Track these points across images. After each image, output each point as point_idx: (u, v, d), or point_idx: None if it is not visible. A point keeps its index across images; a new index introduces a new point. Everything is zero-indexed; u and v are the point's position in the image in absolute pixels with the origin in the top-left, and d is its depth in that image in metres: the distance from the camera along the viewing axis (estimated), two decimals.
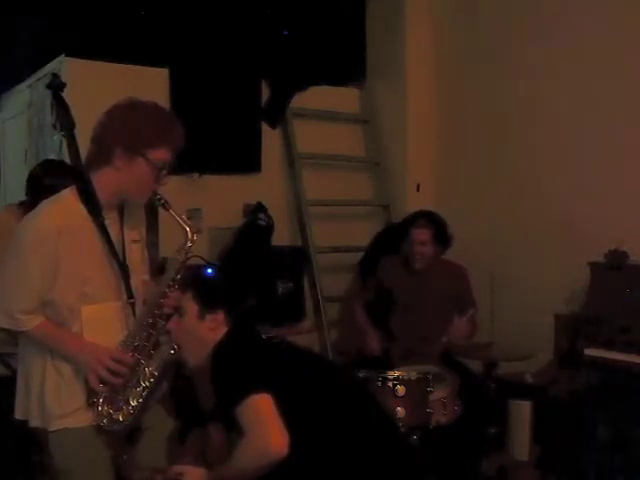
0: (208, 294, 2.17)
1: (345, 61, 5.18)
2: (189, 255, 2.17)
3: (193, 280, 2.20)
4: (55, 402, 2.07)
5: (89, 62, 3.88)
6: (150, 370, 2.12)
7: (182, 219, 2.17)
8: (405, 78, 4.94)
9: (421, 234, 3.56)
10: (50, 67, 4.12)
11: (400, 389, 2.80)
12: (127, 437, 2.20)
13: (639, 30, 3.71)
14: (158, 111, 2.14)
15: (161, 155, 2.09)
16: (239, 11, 4.57)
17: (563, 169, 4.10)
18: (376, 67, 5.21)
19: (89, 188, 2.07)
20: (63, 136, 2.75)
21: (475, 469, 3.31)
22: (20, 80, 4.62)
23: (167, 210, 2.16)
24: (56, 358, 2.08)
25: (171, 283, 2.16)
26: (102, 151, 2.09)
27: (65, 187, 2.18)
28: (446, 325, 3.44)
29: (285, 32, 4.92)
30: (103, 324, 2.11)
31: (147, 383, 2.12)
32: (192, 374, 2.41)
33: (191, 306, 2.15)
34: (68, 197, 2.11)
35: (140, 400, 2.11)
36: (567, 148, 4.09)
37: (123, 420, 2.09)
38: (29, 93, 4.51)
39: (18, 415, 2.17)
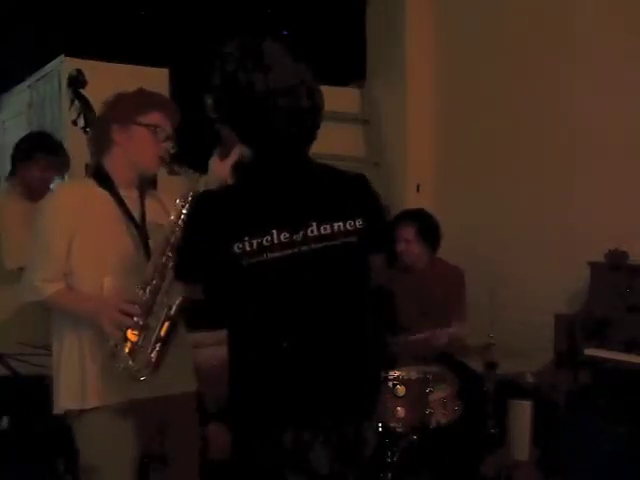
0: None
1: (345, 61, 5.18)
2: (197, 191, 2.22)
3: None
4: (92, 381, 2.12)
5: (89, 62, 3.87)
6: (167, 310, 2.07)
7: (190, 171, 2.26)
8: (405, 78, 4.93)
9: (404, 232, 3.55)
10: (50, 67, 4.12)
11: (400, 389, 2.79)
12: (157, 430, 2.24)
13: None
14: (144, 89, 2.28)
15: (153, 118, 2.22)
16: (239, 11, 4.58)
17: (563, 169, 4.09)
18: (376, 67, 5.21)
19: (102, 171, 2.22)
20: (85, 132, 2.76)
21: (475, 469, 3.31)
22: (20, 80, 4.62)
23: (178, 169, 2.24)
24: (87, 335, 2.12)
25: (180, 219, 2.16)
26: (102, 134, 2.23)
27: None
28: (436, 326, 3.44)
29: (285, 32, 4.92)
30: (125, 292, 2.12)
31: (166, 317, 2.07)
32: (198, 377, 2.40)
33: None
34: (84, 179, 2.29)
35: (164, 341, 2.06)
36: (567, 148, 4.08)
37: (148, 365, 2.04)
38: (29, 93, 4.51)
39: (60, 409, 2.18)
